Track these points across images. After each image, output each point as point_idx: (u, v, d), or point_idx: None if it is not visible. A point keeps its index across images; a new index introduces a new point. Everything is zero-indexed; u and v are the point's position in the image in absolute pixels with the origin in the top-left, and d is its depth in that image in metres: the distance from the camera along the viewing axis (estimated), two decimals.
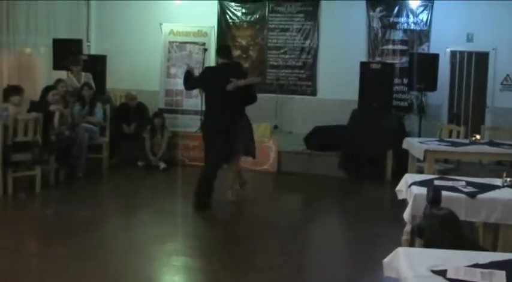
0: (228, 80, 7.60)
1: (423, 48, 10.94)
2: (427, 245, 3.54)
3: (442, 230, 3.53)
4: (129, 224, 7.18)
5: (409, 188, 5.09)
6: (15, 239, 6.39)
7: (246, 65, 11.66)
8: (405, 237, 4.66)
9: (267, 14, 11.77)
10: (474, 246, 3.64)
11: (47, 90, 9.05)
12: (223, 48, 8.44)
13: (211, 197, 7.74)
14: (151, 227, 7.12)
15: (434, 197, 4.03)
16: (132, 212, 7.73)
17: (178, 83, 11.61)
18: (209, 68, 9.17)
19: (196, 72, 8.76)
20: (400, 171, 8.12)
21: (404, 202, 5.33)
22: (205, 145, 7.92)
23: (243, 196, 8.66)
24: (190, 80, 8.08)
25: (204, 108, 11.08)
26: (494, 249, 4.91)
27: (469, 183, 5.16)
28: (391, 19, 11.16)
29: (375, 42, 11.23)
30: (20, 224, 6.97)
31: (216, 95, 7.73)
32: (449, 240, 3.47)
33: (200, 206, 7.64)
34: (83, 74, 10.25)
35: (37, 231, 6.78)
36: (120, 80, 11.79)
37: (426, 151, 7.09)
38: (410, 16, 11.01)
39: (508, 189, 5.03)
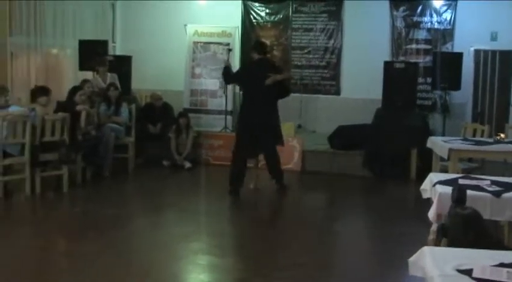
0: (266, 75, 8.00)
1: (447, 47, 10.88)
2: (451, 243, 3.53)
3: (465, 229, 3.52)
4: (155, 223, 7.22)
5: (434, 187, 5.06)
6: (44, 237, 6.47)
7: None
8: (431, 236, 4.64)
9: (290, 14, 11.77)
10: (499, 245, 3.62)
11: (73, 90, 9.11)
12: (259, 45, 8.68)
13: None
14: (176, 225, 7.15)
15: (459, 196, 4.01)
16: (157, 211, 7.77)
17: (203, 83, 11.71)
18: (247, 64, 9.51)
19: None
20: (424, 170, 8.07)
21: (428, 201, 5.30)
22: (242, 139, 8.24)
23: (268, 195, 8.67)
24: (229, 75, 8.56)
25: (228, 108, 11.26)
26: None
27: (493, 182, 5.11)
28: (415, 18, 11.10)
29: (398, 42, 11.19)
30: (48, 223, 7.04)
31: (255, 89, 8.11)
32: (473, 239, 3.46)
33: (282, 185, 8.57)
34: (109, 74, 10.32)
35: (65, 230, 6.84)
36: (145, 80, 11.86)
37: (450, 150, 7.04)
38: (434, 15, 10.96)
39: None
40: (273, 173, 8.56)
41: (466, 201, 4.01)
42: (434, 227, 4.63)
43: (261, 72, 8.08)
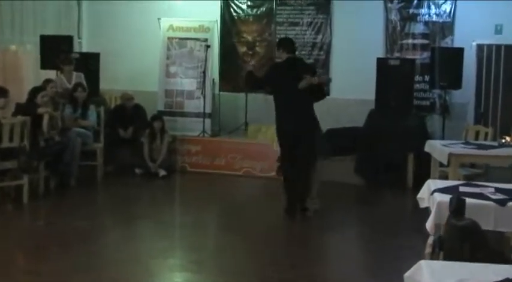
0: (299, 77, 7.62)
1: (446, 42, 10.92)
2: (447, 257, 3.58)
3: (461, 241, 3.56)
4: (127, 237, 7.20)
5: (432, 196, 5.10)
6: (2, 255, 6.42)
7: (252, 62, 11.71)
8: (428, 250, 4.68)
9: (274, 6, 11.79)
10: (499, 258, 3.66)
11: (34, 91, 9.06)
12: (286, 41, 8.35)
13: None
14: (150, 239, 7.16)
15: (457, 206, 4.05)
16: (129, 224, 7.75)
17: (179, 83, 11.69)
18: (276, 64, 9.16)
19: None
20: (421, 176, 8.11)
21: (426, 211, 5.34)
22: (284, 152, 8.04)
23: (251, 204, 8.69)
24: (254, 80, 8.41)
25: (206, 110, 11.27)
26: None
27: (498, 190, 5.15)
28: (411, 11, 11.15)
29: (393, 36, 11.24)
30: (6, 239, 6.98)
31: (288, 94, 7.75)
32: (469, 251, 3.50)
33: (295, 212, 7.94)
34: (74, 73, 10.28)
35: (26, 246, 6.80)
36: (115, 80, 11.83)
37: (450, 155, 7.09)
38: (432, 7, 11.01)
39: None
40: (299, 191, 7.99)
41: (467, 211, 4.05)
42: (430, 240, 4.67)
43: (293, 73, 7.72)
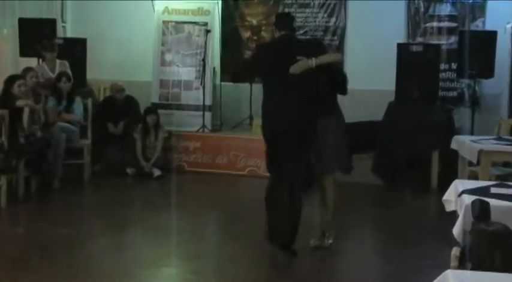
0: (293, 59, 6.47)
1: (477, 25, 10.90)
2: (475, 266, 3.56)
3: (491, 248, 3.56)
4: (117, 245, 7.21)
5: (460, 198, 5.09)
6: None
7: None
8: (453, 263, 4.64)
9: None
10: None
11: (10, 80, 8.99)
12: (281, 16, 7.43)
13: (296, 233, 6.60)
14: (144, 247, 7.17)
15: (481, 211, 4.04)
16: (120, 230, 7.75)
17: (175, 72, 11.69)
18: (264, 44, 8.69)
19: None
20: (447, 177, 8.10)
21: (453, 215, 5.33)
22: (270, 158, 6.79)
23: (255, 208, 8.68)
24: (243, 68, 7.67)
25: (206, 102, 11.26)
26: None
27: None
28: None
29: (415, 19, 11.22)
30: None
31: (281, 81, 6.58)
32: (500, 260, 3.49)
33: (285, 245, 6.58)
34: (58, 61, 10.30)
35: (4, 256, 6.78)
36: (103, 68, 11.86)
37: (481, 152, 7.08)
38: None
39: None
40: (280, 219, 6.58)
41: (498, 214, 4.03)
42: (456, 251, 4.62)
43: (287, 55, 6.56)
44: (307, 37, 8.78)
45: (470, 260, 3.80)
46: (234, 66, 7.59)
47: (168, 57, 11.88)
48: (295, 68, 6.40)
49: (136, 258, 6.66)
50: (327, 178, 6.99)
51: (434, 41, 10.97)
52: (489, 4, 10.83)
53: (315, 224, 7.05)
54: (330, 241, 7.00)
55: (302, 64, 6.40)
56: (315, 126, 6.61)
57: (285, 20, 6.99)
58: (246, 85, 11.37)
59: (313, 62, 6.40)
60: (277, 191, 6.56)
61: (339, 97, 7.14)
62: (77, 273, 6.14)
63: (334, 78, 6.85)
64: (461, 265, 4.15)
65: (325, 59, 6.53)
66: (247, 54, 11.53)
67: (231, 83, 11.44)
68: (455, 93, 11.09)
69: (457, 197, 5.20)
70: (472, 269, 3.61)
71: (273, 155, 6.68)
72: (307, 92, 6.54)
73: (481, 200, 4.19)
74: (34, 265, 6.39)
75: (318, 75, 6.53)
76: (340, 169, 7.18)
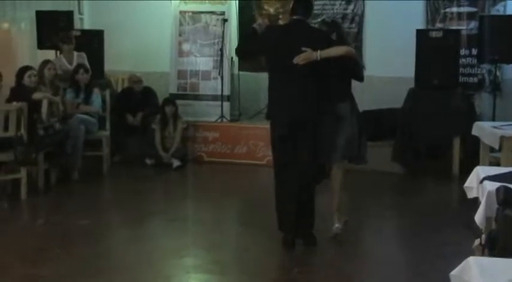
0: (300, 48, 6.38)
1: (498, 10, 10.82)
2: (501, 252, 3.55)
3: None
4: (138, 235, 7.23)
5: (481, 184, 5.06)
6: None
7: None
8: (477, 253, 4.63)
9: None
10: None
11: (21, 72, 9.02)
12: (298, 1, 6.84)
13: (313, 225, 6.71)
14: (164, 238, 7.19)
15: (506, 196, 4.02)
16: (140, 221, 7.78)
17: (193, 62, 11.70)
18: (276, 27, 8.52)
19: None
20: (469, 163, 8.07)
21: (475, 201, 5.31)
22: (278, 146, 6.71)
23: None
24: (247, 43, 7.11)
25: (225, 92, 11.27)
26: None
27: None
28: None
29: (435, 5, 11.15)
30: (3, 239, 7.03)
31: (285, 68, 6.50)
32: None
33: (293, 241, 6.61)
34: (75, 53, 10.32)
35: (25, 248, 6.82)
36: (121, 60, 11.88)
37: (502, 138, 7.03)
38: None
39: None
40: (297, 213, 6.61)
41: None
42: (477, 241, 4.59)
43: (295, 42, 6.45)
44: (324, 20, 8.49)
45: (496, 246, 3.79)
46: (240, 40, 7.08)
47: (186, 47, 11.88)
48: (299, 59, 6.34)
49: (157, 249, 6.68)
50: (334, 166, 6.91)
51: (454, 26, 10.89)
52: None
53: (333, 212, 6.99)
54: (337, 225, 6.86)
55: (305, 56, 6.34)
56: (323, 113, 6.57)
57: (299, 5, 6.74)
58: (265, 74, 11.23)
59: (317, 54, 6.35)
60: (289, 181, 6.56)
61: (359, 85, 7.04)
62: (98, 264, 6.17)
63: (345, 67, 6.70)
64: (484, 253, 4.14)
65: (331, 52, 6.45)
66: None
67: (249, 73, 11.45)
68: (475, 79, 11.02)
69: (479, 183, 5.16)
70: (498, 254, 3.60)
71: (282, 144, 6.61)
72: (313, 80, 6.51)
73: (505, 186, 4.17)
74: (55, 256, 6.41)
75: (326, 63, 6.44)
76: (350, 158, 7.02)
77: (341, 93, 6.81)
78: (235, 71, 11.76)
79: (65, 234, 7.17)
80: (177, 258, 6.37)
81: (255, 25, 6.86)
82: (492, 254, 3.93)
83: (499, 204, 4.06)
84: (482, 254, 4.15)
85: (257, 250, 6.72)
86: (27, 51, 11.40)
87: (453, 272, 3.34)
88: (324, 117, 6.60)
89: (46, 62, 9.57)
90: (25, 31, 11.49)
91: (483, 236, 4.26)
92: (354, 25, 11.54)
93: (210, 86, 11.64)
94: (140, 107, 10.76)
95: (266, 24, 6.92)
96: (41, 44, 10.85)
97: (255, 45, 6.93)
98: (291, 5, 6.90)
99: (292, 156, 6.53)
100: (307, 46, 6.36)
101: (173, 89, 11.78)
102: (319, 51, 6.35)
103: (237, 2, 11.83)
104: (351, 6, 11.55)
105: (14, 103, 8.39)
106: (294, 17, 6.70)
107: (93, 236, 7.05)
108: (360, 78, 6.93)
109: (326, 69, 6.50)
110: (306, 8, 6.78)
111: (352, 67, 6.80)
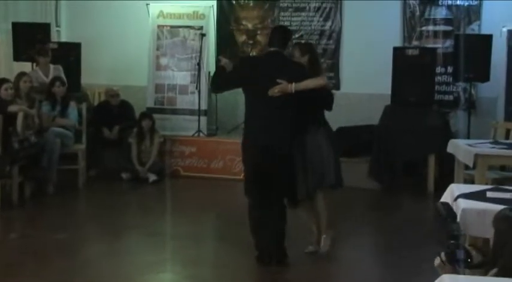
0: (275, 80, 6.47)
1: (472, 29, 10.93)
2: (498, 252, 3.63)
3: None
4: (114, 250, 7.23)
5: (456, 202, 5.11)
6: None
7: (253, 53, 11.70)
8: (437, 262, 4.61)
9: None
10: None
11: None
12: (275, 31, 7.09)
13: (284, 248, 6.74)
14: (141, 253, 7.18)
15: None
16: (117, 235, 7.77)
17: (171, 77, 11.69)
18: (251, 58, 8.80)
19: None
20: (444, 180, 8.14)
21: None
22: (251, 173, 6.78)
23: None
24: (222, 78, 7.09)
25: (202, 106, 11.27)
26: None
27: None
28: None
29: (411, 23, 11.25)
30: None
31: (261, 100, 6.60)
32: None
33: (269, 260, 6.63)
34: (52, 66, 10.29)
35: None
36: (98, 73, 11.86)
37: (477, 156, 7.10)
38: None
39: None
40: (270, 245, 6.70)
41: (491, 219, 4.07)
42: (437, 260, 4.58)
43: (271, 73, 6.52)
44: (299, 43, 8.60)
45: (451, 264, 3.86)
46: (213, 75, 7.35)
47: (163, 61, 11.88)
48: (274, 91, 6.44)
49: (133, 264, 6.67)
50: (317, 193, 6.95)
51: (430, 44, 11.00)
52: (484, 8, 10.86)
53: (310, 230, 7.04)
54: (327, 248, 6.91)
55: (280, 88, 6.43)
56: (297, 141, 6.68)
57: (276, 35, 6.91)
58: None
59: (292, 87, 6.44)
60: (264, 209, 6.62)
61: (334, 102, 7.06)
62: (72, 278, 6.16)
63: (319, 96, 6.74)
64: (446, 270, 4.17)
65: (305, 84, 6.52)
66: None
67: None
68: (451, 97, 11.12)
69: (453, 201, 5.23)
70: (495, 254, 3.65)
71: (257, 172, 6.64)
72: (287, 111, 6.58)
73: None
74: (29, 271, 6.41)
75: (300, 94, 6.51)
76: (329, 184, 7.04)
77: (316, 122, 6.90)
78: None
79: (39, 248, 7.12)
80: (153, 273, 6.36)
81: (222, 64, 6.95)
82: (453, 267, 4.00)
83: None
84: (444, 271, 4.18)
85: (234, 266, 6.73)
86: (3, 63, 11.32)
87: None
88: (299, 148, 6.69)
89: (22, 75, 9.51)
90: (1, 43, 11.42)
91: (442, 253, 4.28)
92: (331, 41, 11.61)
93: (188, 100, 11.64)
94: (117, 120, 10.75)
95: (230, 62, 6.97)
96: (17, 56, 10.82)
97: (229, 78, 7.01)
98: (268, 36, 7.11)
99: (267, 191, 6.58)
100: (282, 78, 6.44)
101: (150, 103, 11.76)
102: (293, 83, 6.43)
103: (215, 17, 11.86)
104: (329, 23, 11.61)
105: None
106: (271, 49, 6.83)
107: (68, 250, 7.03)
108: (330, 108, 6.98)
109: (301, 101, 6.57)
110: (283, 39, 6.88)
111: (325, 97, 6.88)
